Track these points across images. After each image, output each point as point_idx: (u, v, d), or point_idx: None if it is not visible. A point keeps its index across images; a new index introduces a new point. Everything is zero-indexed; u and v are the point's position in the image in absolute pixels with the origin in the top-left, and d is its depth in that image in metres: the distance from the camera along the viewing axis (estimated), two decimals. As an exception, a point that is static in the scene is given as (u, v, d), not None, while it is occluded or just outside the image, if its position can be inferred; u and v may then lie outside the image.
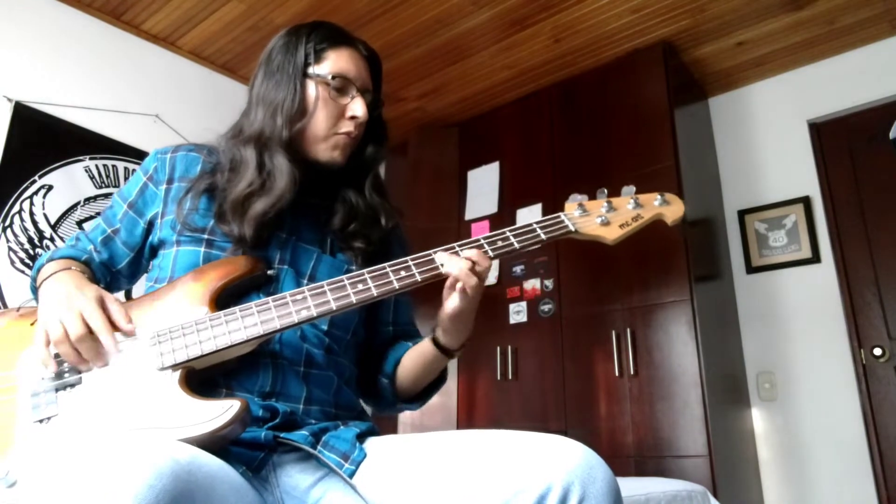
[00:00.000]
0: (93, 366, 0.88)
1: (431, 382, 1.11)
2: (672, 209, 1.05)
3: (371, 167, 1.14)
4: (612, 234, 1.01)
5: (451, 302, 0.95)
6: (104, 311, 0.90)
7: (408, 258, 0.94)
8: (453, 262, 0.92)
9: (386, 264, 0.94)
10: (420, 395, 1.12)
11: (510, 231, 0.99)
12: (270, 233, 1.02)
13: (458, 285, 0.93)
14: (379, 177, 1.16)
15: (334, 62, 1.07)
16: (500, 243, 0.97)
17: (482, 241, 0.97)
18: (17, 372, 0.89)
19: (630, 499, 1.54)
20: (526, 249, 0.99)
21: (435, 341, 1.03)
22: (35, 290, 1.05)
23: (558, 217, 1.02)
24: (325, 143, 1.06)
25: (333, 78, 1.05)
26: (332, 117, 1.05)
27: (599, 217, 1.02)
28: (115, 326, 0.89)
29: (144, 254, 1.10)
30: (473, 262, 0.93)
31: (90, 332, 0.87)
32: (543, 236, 0.99)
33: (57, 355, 0.89)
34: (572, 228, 1.01)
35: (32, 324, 0.92)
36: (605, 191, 1.05)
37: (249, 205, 0.99)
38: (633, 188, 1.06)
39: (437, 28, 3.01)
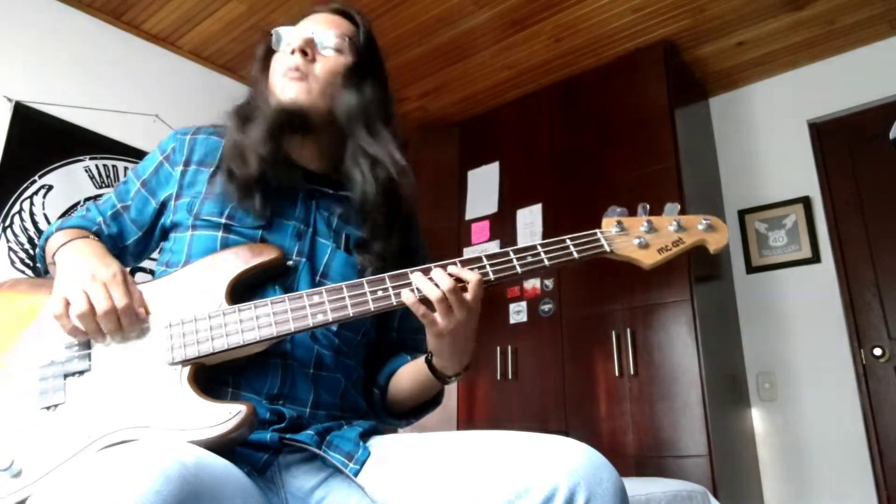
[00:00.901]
0: (111, 340, 0.86)
1: (424, 403, 1.06)
2: (716, 237, 0.97)
3: (352, 112, 1.04)
4: (649, 258, 0.95)
5: (430, 324, 0.88)
6: (126, 287, 0.88)
7: (431, 265, 0.90)
8: (425, 284, 0.86)
9: (408, 270, 0.90)
10: (409, 413, 1.07)
11: (541, 246, 0.92)
12: (287, 186, 1.01)
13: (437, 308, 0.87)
14: (369, 119, 1.05)
15: (283, 32, 1.08)
16: (529, 258, 0.91)
17: (512, 257, 0.91)
18: (25, 351, 0.87)
19: (630, 499, 1.54)
20: (556, 266, 0.92)
21: (429, 363, 0.97)
22: (43, 258, 1.03)
23: (594, 235, 0.95)
24: (278, 89, 1.03)
25: (270, 35, 1.07)
26: (279, 65, 1.04)
27: (638, 238, 0.95)
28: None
29: (154, 234, 1.08)
30: (459, 284, 0.86)
31: (114, 306, 0.85)
32: (576, 255, 0.92)
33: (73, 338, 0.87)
34: (608, 249, 0.94)
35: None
36: (647, 206, 0.97)
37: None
38: (677, 206, 0.97)
39: (438, 28, 3.01)
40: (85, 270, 0.89)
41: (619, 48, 3.11)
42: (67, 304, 0.85)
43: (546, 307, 3.00)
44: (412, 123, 3.76)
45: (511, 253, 0.92)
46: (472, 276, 0.87)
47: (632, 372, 2.66)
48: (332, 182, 1.07)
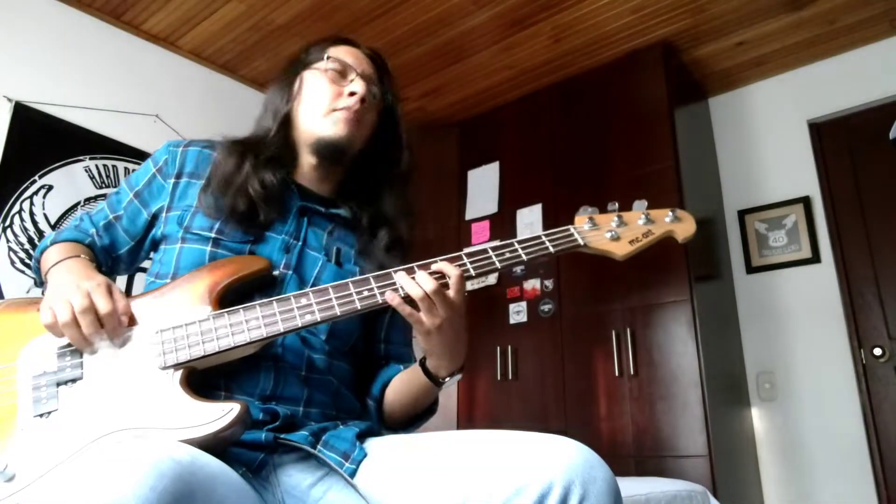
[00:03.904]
0: (96, 345, 0.87)
1: (421, 412, 1.06)
2: (683, 227, 1.05)
3: (390, 180, 1.15)
4: (621, 249, 1.01)
5: (416, 323, 0.91)
6: (110, 295, 0.90)
7: (413, 264, 0.93)
8: (409, 283, 0.89)
9: (391, 270, 0.93)
10: (406, 423, 1.08)
11: (518, 242, 0.98)
12: (276, 218, 1.03)
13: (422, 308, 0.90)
14: (399, 193, 1.16)
15: (333, 53, 1.13)
16: (507, 254, 0.96)
17: (490, 254, 0.95)
18: (18, 364, 0.88)
19: (630, 499, 1.54)
20: (534, 262, 0.98)
21: (423, 365, 0.99)
22: (38, 271, 1.05)
23: (568, 230, 1.01)
24: (326, 119, 1.07)
25: (329, 59, 1.10)
26: (332, 96, 1.08)
27: (609, 231, 1.02)
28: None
29: (145, 245, 1.10)
30: (441, 281, 0.90)
31: (94, 307, 0.87)
32: (552, 249, 0.99)
33: (62, 346, 0.88)
34: (581, 242, 1.00)
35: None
36: (617, 204, 1.05)
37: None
38: (644, 203, 1.05)
39: (437, 28, 3.01)
40: (70, 282, 0.91)
41: (618, 48, 3.11)
42: (54, 314, 0.87)
43: (546, 307, 3.00)
44: (412, 123, 3.74)
45: (490, 250, 0.96)
46: (453, 272, 0.91)
47: (632, 372, 2.66)
48: (325, 200, 1.11)
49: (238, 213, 1.00)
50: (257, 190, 1.02)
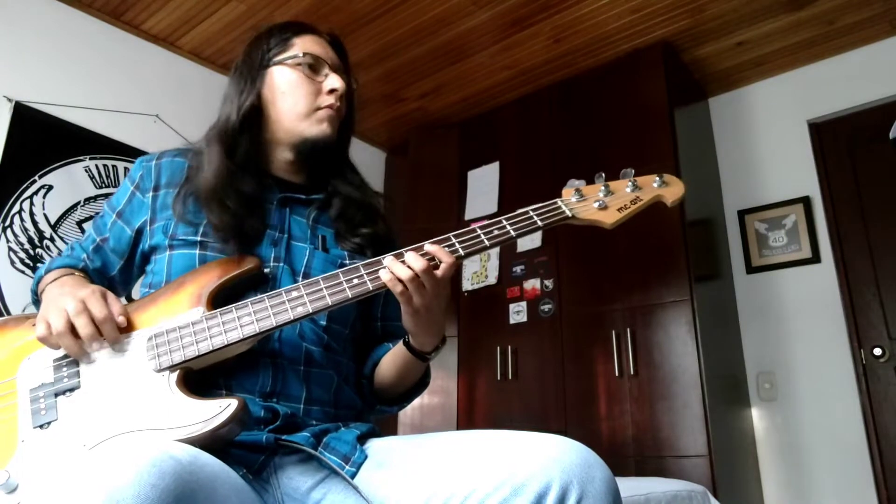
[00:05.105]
0: (92, 353, 0.88)
1: (412, 387, 1.09)
2: (671, 190, 1.02)
3: (343, 152, 1.17)
4: (610, 218, 0.99)
5: (406, 302, 0.93)
6: (105, 300, 0.91)
7: (403, 249, 0.93)
8: (398, 267, 0.90)
9: (381, 256, 0.93)
10: (399, 398, 1.10)
11: (506, 219, 0.98)
12: (260, 226, 1.03)
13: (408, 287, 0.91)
14: (352, 167, 1.19)
15: (301, 45, 1.11)
16: (495, 231, 0.96)
17: (479, 232, 0.95)
18: (18, 377, 0.90)
19: (630, 499, 1.54)
20: (522, 236, 0.98)
21: (407, 344, 1.01)
22: (37, 302, 1.06)
23: (555, 203, 1.00)
24: (309, 119, 1.08)
25: (304, 55, 1.09)
26: (312, 94, 1.08)
27: (597, 201, 1.00)
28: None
29: (135, 261, 1.12)
30: (432, 262, 0.90)
31: (90, 311, 0.88)
32: (540, 223, 0.98)
33: (58, 359, 0.89)
34: (569, 214, 0.99)
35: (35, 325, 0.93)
36: (603, 175, 1.02)
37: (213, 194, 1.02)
38: (631, 171, 1.03)
39: (437, 28, 3.01)
40: (64, 293, 0.93)
41: (618, 48, 3.11)
42: (49, 325, 0.88)
43: (546, 307, 3.00)
44: (412, 123, 3.76)
45: (478, 229, 0.96)
46: (447, 258, 0.92)
47: (632, 372, 2.66)
48: (303, 188, 1.12)
49: (228, 230, 0.99)
50: (238, 211, 1.00)
